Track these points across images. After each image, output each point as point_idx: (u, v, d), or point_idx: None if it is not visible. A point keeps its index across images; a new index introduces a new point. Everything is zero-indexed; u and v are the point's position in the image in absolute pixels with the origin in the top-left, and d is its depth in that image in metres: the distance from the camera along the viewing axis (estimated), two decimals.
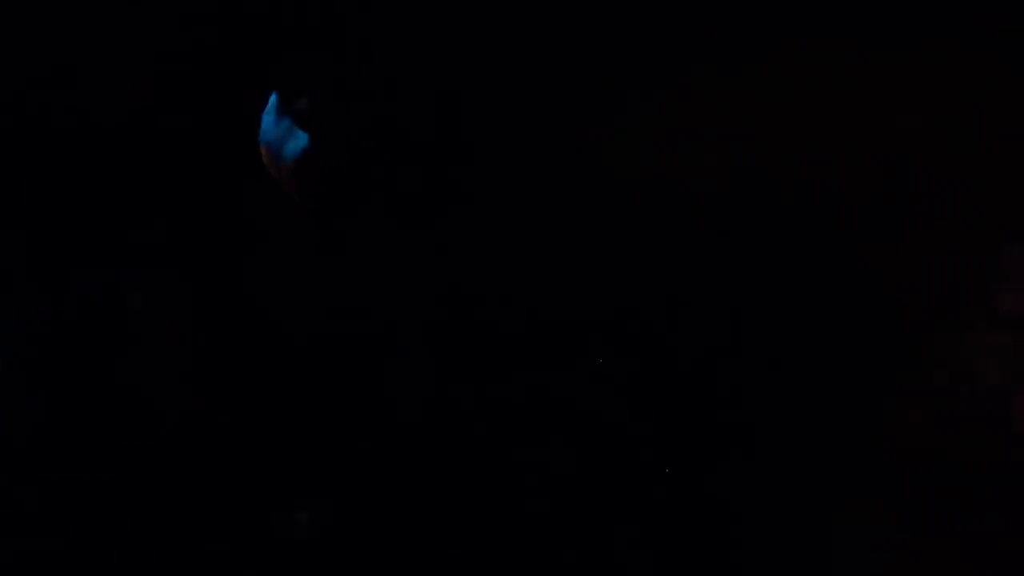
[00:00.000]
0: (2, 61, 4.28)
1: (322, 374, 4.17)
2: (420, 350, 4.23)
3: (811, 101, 4.11)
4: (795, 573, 3.63)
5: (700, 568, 3.69)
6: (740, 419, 3.85)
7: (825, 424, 3.81)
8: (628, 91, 4.21)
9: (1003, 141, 4.02)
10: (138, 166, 4.35)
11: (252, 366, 4.18)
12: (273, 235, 4.30)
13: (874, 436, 3.79)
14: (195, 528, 3.92)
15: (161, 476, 4.00)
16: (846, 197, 3.97)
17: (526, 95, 4.42)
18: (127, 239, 4.29)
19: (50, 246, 4.27)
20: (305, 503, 3.95)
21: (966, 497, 3.68)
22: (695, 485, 3.78)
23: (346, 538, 3.91)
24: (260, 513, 3.93)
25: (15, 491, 3.92)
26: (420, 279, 4.31)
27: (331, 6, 4.32)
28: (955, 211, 3.97)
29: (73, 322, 4.20)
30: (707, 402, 3.89)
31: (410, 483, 4.00)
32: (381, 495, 3.98)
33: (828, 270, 3.94)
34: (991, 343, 3.88)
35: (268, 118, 4.26)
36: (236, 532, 3.91)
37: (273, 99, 4.26)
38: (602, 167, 4.17)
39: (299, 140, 4.23)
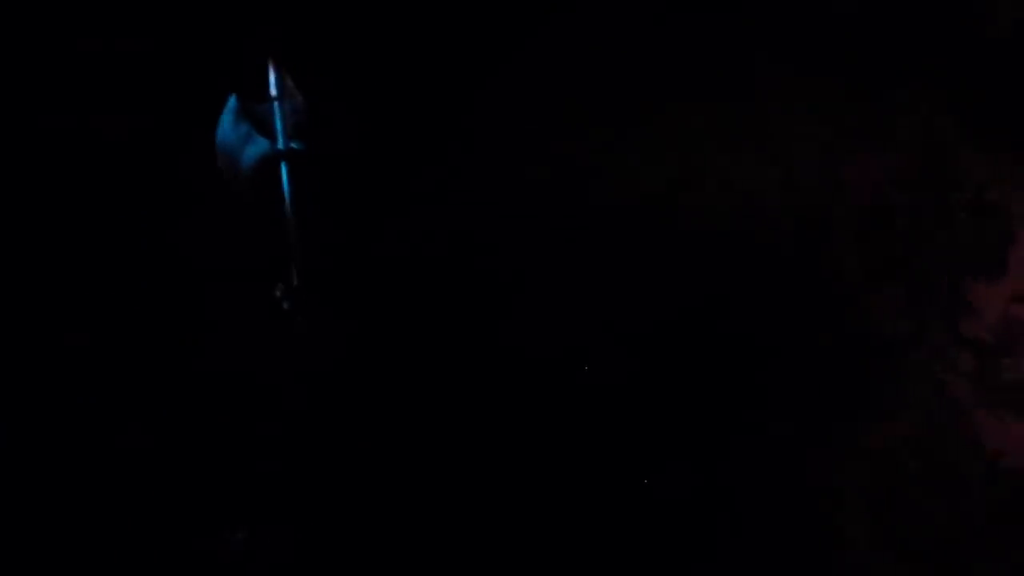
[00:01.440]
0: None
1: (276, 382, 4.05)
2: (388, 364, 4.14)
3: (808, 143, 4.33)
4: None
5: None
6: (735, 430, 4.02)
7: (811, 432, 4.02)
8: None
9: (971, 191, 4.29)
10: (91, 161, 4.14)
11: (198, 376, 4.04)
12: (224, 238, 4.13)
13: (856, 443, 4.01)
14: (132, 547, 3.80)
15: (95, 493, 3.87)
16: (837, 237, 4.22)
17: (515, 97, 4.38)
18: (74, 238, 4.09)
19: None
20: (239, 523, 3.86)
21: (939, 501, 3.93)
22: (688, 492, 3.93)
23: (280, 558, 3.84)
24: (194, 533, 3.85)
25: None
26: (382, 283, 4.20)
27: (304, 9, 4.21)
28: (931, 249, 4.24)
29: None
30: (704, 418, 4.03)
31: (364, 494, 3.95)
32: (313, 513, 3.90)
33: (819, 299, 4.17)
34: (958, 363, 4.15)
35: (226, 121, 4.06)
36: (171, 552, 3.81)
37: (232, 102, 4.07)
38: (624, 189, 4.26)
39: (258, 145, 4.04)
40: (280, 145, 4.02)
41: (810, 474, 3.97)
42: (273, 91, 4.04)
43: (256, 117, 4.05)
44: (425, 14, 4.40)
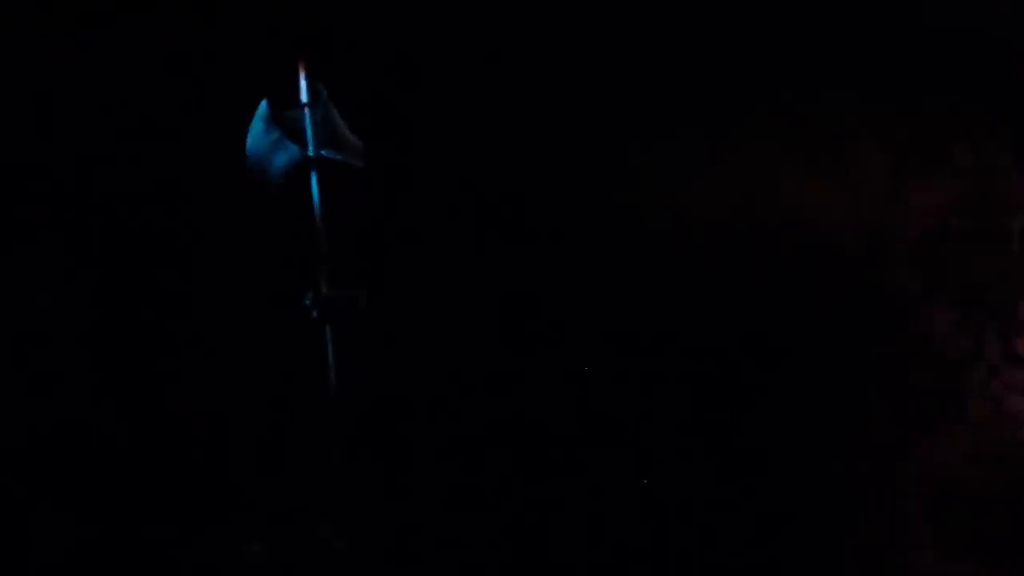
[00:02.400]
0: None
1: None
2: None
3: (873, 168, 4.46)
4: None
5: None
6: (790, 444, 4.18)
7: (874, 444, 4.19)
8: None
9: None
10: (120, 165, 4.09)
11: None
12: (253, 244, 4.08)
13: (917, 455, 4.17)
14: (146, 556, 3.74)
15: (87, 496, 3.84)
16: (898, 257, 4.39)
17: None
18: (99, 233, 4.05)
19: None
20: (255, 535, 3.79)
21: (998, 509, 4.09)
22: (736, 509, 4.08)
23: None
24: (210, 544, 3.79)
25: None
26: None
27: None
28: (987, 271, 4.37)
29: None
30: (769, 428, 4.19)
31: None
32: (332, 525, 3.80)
33: (881, 317, 4.33)
34: (1013, 380, 4.26)
35: (258, 127, 3.99)
36: (188, 563, 3.78)
37: (263, 107, 4.00)
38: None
39: (289, 151, 3.97)
40: (310, 152, 3.95)
41: (875, 482, 4.11)
42: (304, 98, 3.98)
43: (287, 123, 3.98)
44: (470, 19, 4.35)
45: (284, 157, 3.96)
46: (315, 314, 3.89)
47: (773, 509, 4.07)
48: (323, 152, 3.96)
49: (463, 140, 4.32)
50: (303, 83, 3.97)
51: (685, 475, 4.09)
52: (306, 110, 3.97)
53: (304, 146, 3.96)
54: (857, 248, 4.39)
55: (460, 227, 4.28)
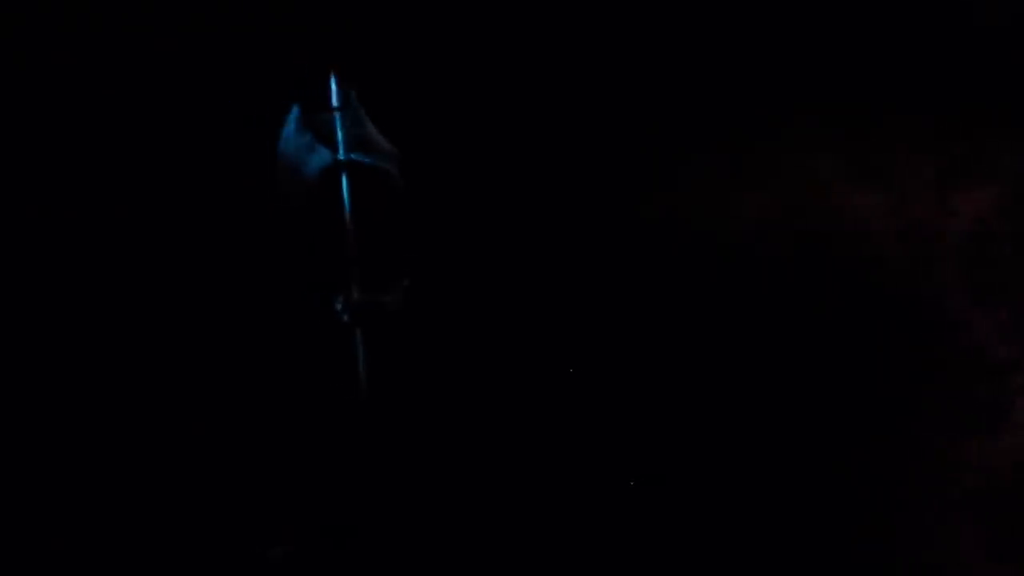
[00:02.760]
0: None
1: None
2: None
3: (919, 173, 4.47)
4: None
5: None
6: (835, 449, 4.20)
7: (917, 445, 4.20)
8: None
9: None
10: (150, 167, 4.13)
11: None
12: (284, 248, 4.10)
13: (959, 457, 4.16)
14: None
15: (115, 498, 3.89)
16: (943, 261, 4.39)
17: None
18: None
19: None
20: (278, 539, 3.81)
21: None
22: (782, 511, 4.11)
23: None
24: (233, 548, 3.83)
25: None
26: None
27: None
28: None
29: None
30: (815, 431, 4.22)
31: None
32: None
33: (925, 321, 4.34)
34: None
35: (289, 130, 3.99)
36: (210, 566, 3.82)
37: (295, 111, 4.00)
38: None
39: (322, 155, 3.95)
40: (341, 156, 3.94)
41: (920, 487, 4.13)
42: (335, 102, 3.96)
43: (318, 127, 3.97)
44: (501, 26, 4.34)
45: (316, 161, 3.96)
46: (346, 318, 3.91)
47: (819, 513, 4.09)
48: (354, 156, 3.95)
49: (496, 144, 4.31)
50: (334, 87, 3.97)
51: (728, 476, 4.13)
52: (337, 114, 3.97)
53: (335, 150, 3.96)
54: (900, 253, 4.39)
55: (492, 232, 4.26)
